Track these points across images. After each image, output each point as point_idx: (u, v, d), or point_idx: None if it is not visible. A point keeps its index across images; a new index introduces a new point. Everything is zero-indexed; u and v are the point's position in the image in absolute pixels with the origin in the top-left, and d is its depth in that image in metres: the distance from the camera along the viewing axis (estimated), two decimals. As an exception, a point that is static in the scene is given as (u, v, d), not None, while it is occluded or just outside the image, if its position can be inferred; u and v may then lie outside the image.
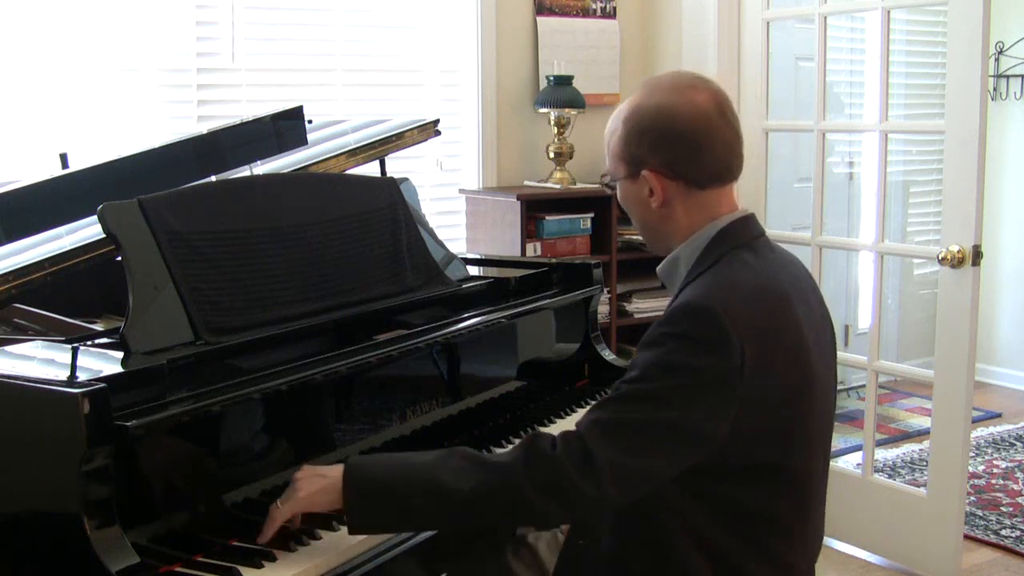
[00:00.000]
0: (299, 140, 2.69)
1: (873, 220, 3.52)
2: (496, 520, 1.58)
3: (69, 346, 1.64)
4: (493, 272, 2.53)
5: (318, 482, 1.57)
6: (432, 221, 2.55)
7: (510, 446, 2.11)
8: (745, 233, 1.64)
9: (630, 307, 3.86)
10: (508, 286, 2.43)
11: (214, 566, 1.53)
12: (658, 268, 1.71)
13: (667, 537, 1.58)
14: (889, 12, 3.27)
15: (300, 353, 1.82)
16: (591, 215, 3.75)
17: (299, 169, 2.41)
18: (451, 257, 2.40)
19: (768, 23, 3.67)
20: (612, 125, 1.65)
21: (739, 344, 1.47)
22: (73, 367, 1.50)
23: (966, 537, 3.39)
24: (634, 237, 3.69)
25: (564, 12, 4.03)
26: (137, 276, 1.73)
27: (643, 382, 1.49)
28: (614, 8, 4.16)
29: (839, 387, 5.63)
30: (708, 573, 1.58)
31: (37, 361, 1.67)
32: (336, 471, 1.56)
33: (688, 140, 1.58)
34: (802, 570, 1.68)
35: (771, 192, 3.79)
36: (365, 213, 2.17)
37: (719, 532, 1.57)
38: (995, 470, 4.29)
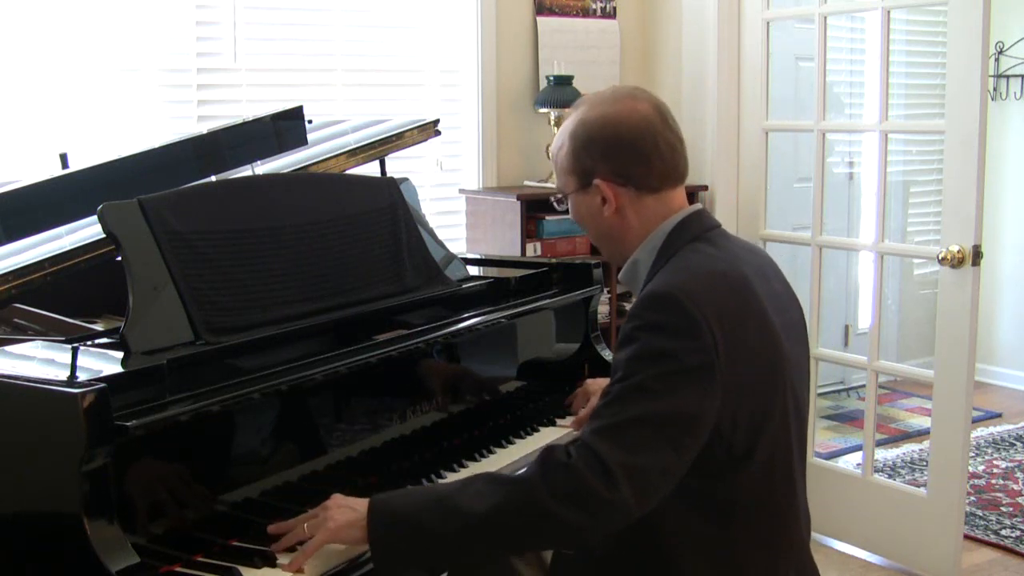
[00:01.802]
0: (299, 140, 2.68)
1: (873, 220, 3.52)
2: (523, 538, 1.54)
3: (69, 346, 1.64)
4: (493, 272, 2.53)
5: (347, 515, 1.56)
6: (432, 221, 2.55)
7: (510, 446, 2.13)
8: (699, 226, 1.67)
9: (630, 307, 3.86)
10: (508, 286, 2.43)
11: (214, 566, 1.53)
12: (619, 275, 1.74)
13: (658, 535, 1.58)
14: (889, 12, 3.27)
15: (300, 353, 1.82)
16: (591, 215, 3.75)
17: (299, 169, 2.41)
18: (451, 257, 2.40)
19: (768, 23, 3.67)
20: (559, 141, 1.70)
21: (706, 324, 1.49)
22: (73, 367, 1.50)
23: (966, 537, 3.39)
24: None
25: (564, 12, 4.03)
26: (137, 276, 1.73)
27: (629, 379, 1.50)
28: (614, 8, 4.16)
29: (840, 387, 5.59)
30: (703, 567, 1.59)
31: (37, 361, 1.67)
32: (364, 506, 1.56)
33: (635, 146, 1.62)
34: (797, 550, 1.69)
35: (771, 192, 3.79)
36: (365, 213, 2.17)
37: (710, 524, 1.58)
38: (995, 470, 4.30)
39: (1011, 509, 3.86)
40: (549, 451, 1.52)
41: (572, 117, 1.68)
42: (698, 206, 1.72)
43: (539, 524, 1.49)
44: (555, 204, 1.82)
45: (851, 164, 5.42)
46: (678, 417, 1.48)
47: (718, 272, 1.59)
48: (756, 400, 1.56)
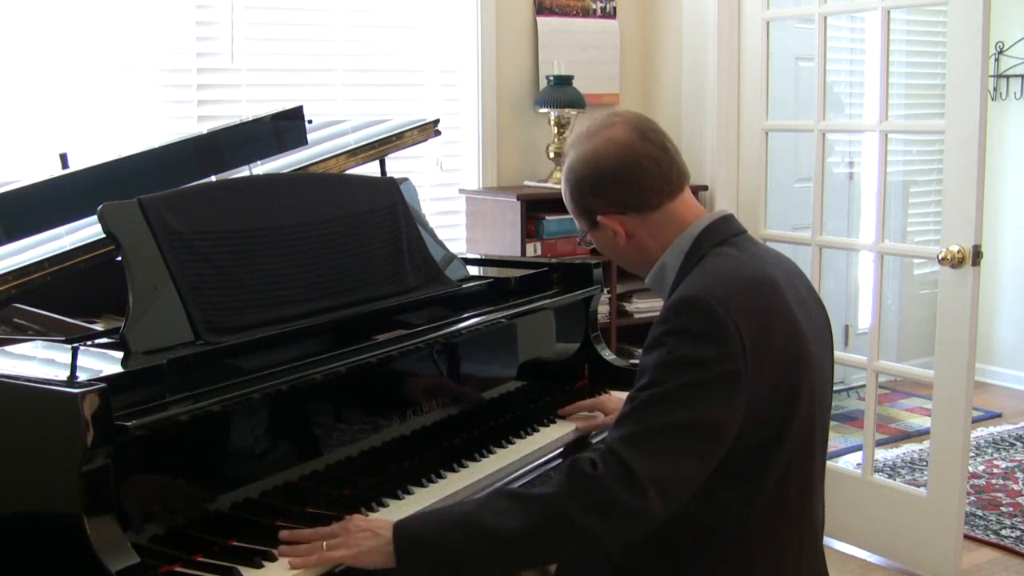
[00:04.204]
0: (299, 140, 2.68)
1: (873, 220, 3.51)
2: (551, 552, 1.56)
3: (69, 346, 1.64)
4: (493, 272, 2.53)
5: (370, 541, 1.56)
6: (432, 221, 2.55)
7: (511, 446, 2.12)
8: (725, 231, 1.68)
9: (630, 307, 3.86)
10: (508, 286, 2.43)
11: (214, 566, 1.53)
12: (646, 279, 1.75)
13: (670, 536, 1.58)
14: (889, 12, 3.27)
15: (300, 353, 1.82)
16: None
17: (299, 169, 2.41)
18: (451, 257, 2.40)
19: (768, 23, 3.67)
20: (562, 189, 1.76)
21: (735, 329, 1.50)
22: (73, 367, 1.50)
23: (966, 537, 3.39)
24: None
25: (564, 12, 4.03)
26: (137, 276, 1.73)
27: (657, 386, 1.51)
28: (614, 8, 4.16)
29: (840, 387, 5.60)
30: (712, 567, 1.59)
31: (37, 361, 1.67)
32: (386, 531, 1.56)
33: (618, 175, 1.66)
34: (808, 555, 1.69)
35: (771, 192, 3.79)
36: (365, 213, 2.17)
37: (723, 526, 1.59)
38: (995, 470, 4.29)
39: (1011, 509, 3.86)
40: (574, 463, 1.52)
41: (564, 163, 1.73)
42: (726, 211, 1.74)
43: (568, 536, 1.49)
44: (585, 246, 1.86)
45: (851, 164, 5.42)
46: (705, 426, 1.49)
47: (747, 277, 1.59)
48: (780, 404, 1.56)
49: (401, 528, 1.56)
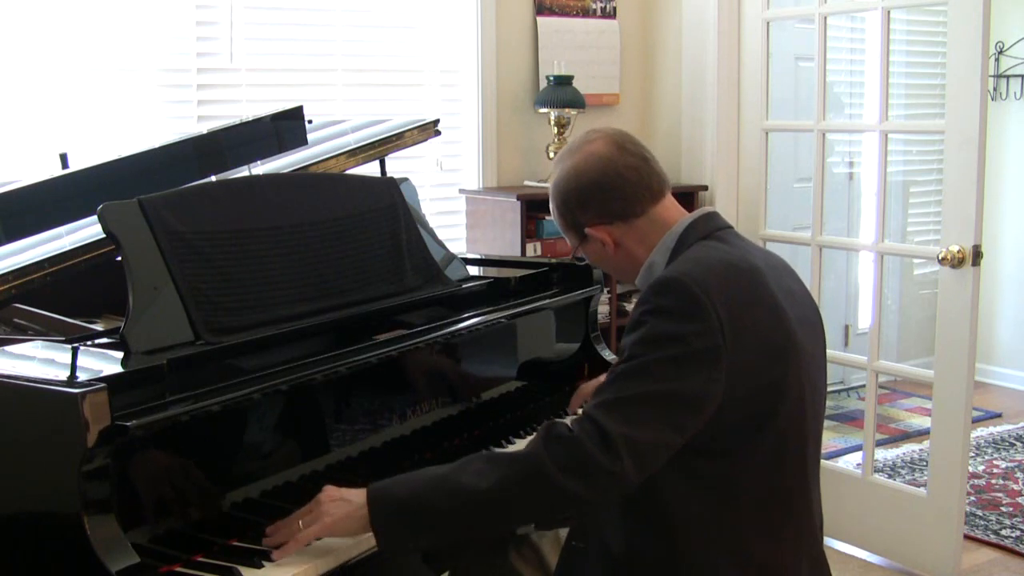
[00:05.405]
0: (299, 140, 2.69)
1: (873, 220, 3.52)
2: (527, 512, 1.59)
3: (69, 346, 1.64)
4: (493, 272, 2.53)
5: (343, 508, 1.57)
6: (432, 221, 2.55)
7: (511, 446, 2.13)
8: (710, 226, 1.73)
9: (630, 307, 3.86)
10: (508, 286, 2.43)
11: (214, 566, 1.53)
12: (637, 280, 1.78)
13: (666, 519, 1.60)
14: (889, 12, 3.27)
15: (300, 353, 1.82)
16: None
17: (299, 169, 2.41)
18: (451, 257, 2.40)
19: (768, 23, 3.67)
20: (550, 208, 1.81)
21: (712, 308, 1.53)
22: (73, 367, 1.50)
23: (966, 537, 3.39)
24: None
25: (564, 12, 4.03)
26: (137, 276, 1.73)
27: (635, 359, 1.54)
28: (614, 8, 4.16)
29: (840, 387, 5.58)
30: (711, 551, 1.60)
31: (37, 361, 1.67)
32: (360, 496, 1.57)
33: (600, 185, 1.71)
34: (808, 543, 1.70)
35: (771, 192, 3.79)
36: (365, 213, 2.17)
37: (717, 507, 1.59)
38: (995, 470, 4.29)
39: (1011, 509, 3.86)
40: (551, 426, 1.55)
41: (550, 184, 1.78)
42: (710, 208, 1.79)
43: (543, 495, 1.51)
44: (578, 262, 1.89)
45: (851, 164, 5.42)
46: (680, 398, 1.52)
47: (728, 262, 1.63)
48: (764, 384, 1.58)
49: (375, 491, 1.57)
